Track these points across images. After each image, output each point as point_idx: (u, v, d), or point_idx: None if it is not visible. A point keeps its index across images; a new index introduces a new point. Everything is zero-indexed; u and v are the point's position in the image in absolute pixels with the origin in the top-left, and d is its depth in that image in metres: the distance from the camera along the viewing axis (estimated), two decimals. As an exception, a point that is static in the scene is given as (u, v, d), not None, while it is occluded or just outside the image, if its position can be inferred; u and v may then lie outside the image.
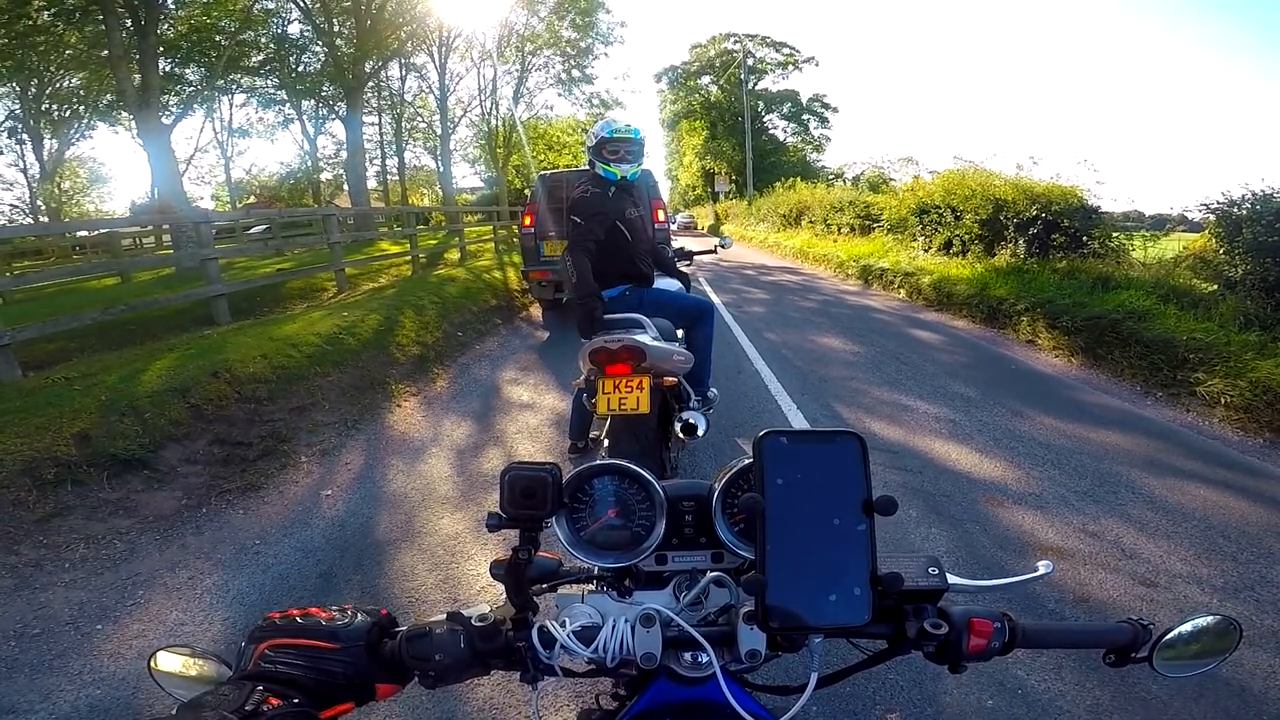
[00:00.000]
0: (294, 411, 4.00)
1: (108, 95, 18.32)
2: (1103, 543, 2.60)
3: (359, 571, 2.49)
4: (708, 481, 0.72)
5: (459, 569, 2.47)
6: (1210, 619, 0.59)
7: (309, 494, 3.18)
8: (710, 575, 0.63)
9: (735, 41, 38.31)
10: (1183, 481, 3.18)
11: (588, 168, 2.94)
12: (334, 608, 0.60)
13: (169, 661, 0.62)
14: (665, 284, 3.16)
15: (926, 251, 10.37)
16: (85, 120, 22.69)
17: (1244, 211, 5.86)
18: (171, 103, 18.01)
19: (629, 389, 2.29)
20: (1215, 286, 5.94)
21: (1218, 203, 6.20)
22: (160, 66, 13.10)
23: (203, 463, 3.33)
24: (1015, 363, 5.62)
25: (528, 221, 7.14)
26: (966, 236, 9.38)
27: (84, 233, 17.73)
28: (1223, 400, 4.16)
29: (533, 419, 4.22)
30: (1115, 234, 8.22)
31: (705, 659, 0.58)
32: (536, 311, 8.39)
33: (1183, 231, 8.72)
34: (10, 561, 2.47)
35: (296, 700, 0.51)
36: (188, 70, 18.94)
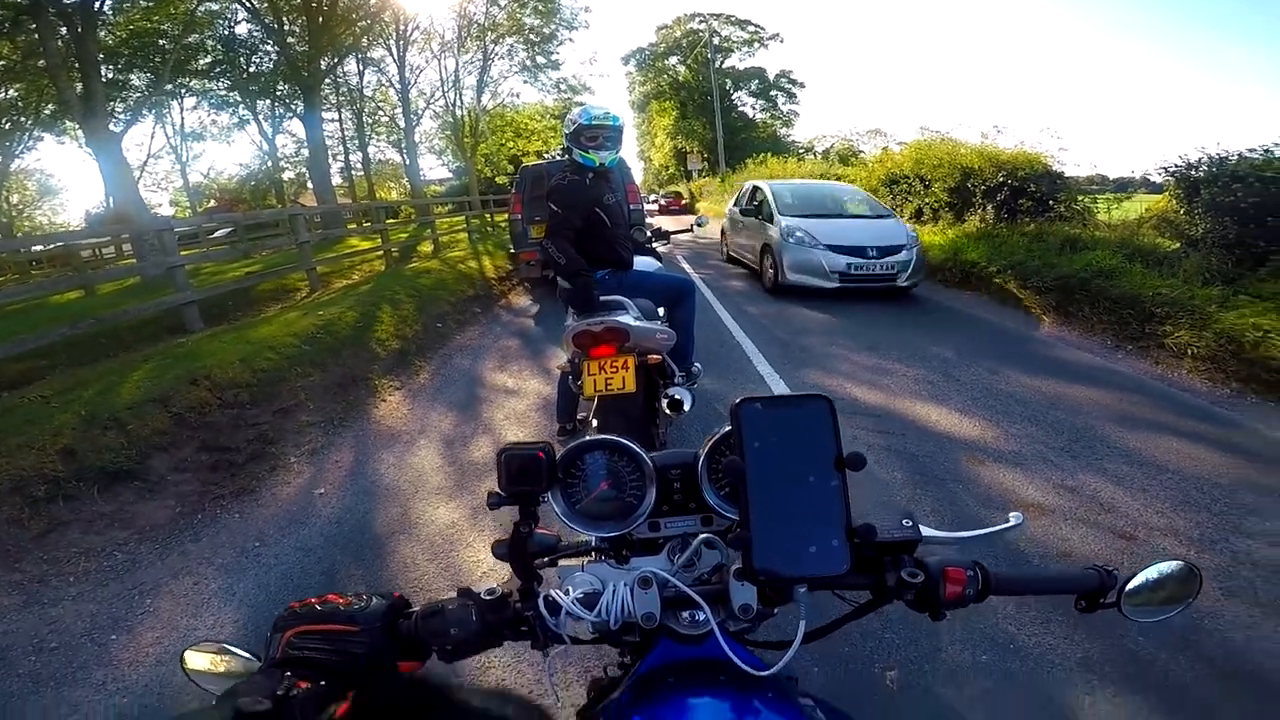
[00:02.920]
0: (278, 414, 3.96)
1: (49, 105, 17.27)
2: (1081, 498, 2.70)
3: (361, 566, 2.51)
4: (694, 450, 0.75)
5: (459, 556, 2.50)
6: (1172, 565, 0.62)
7: (302, 494, 3.17)
8: (701, 537, 0.66)
9: (700, 21, 38.19)
10: (1156, 435, 3.30)
11: (564, 155, 2.93)
12: (350, 594, 0.64)
13: (198, 659, 0.64)
14: (644, 265, 3.16)
15: (898, 221, 10.52)
16: (28, 132, 21.44)
17: (1201, 174, 6.06)
18: (119, 110, 17.24)
19: (614, 369, 2.31)
20: (1178, 245, 6.13)
21: (1176, 165, 6.41)
22: (103, 74, 12.51)
23: (192, 470, 3.30)
24: (989, 323, 5.76)
25: (516, 209, 8.28)
26: (936, 204, 9.54)
27: (39, 247, 16.99)
28: (1189, 352, 4.32)
29: (519, 404, 4.23)
30: (1080, 197, 8.42)
31: (702, 616, 0.61)
32: (515, 299, 8.38)
33: (1145, 193, 8.97)
34: (14, 579, 2.45)
35: (323, 682, 0.55)
36: (132, 76, 18.14)
